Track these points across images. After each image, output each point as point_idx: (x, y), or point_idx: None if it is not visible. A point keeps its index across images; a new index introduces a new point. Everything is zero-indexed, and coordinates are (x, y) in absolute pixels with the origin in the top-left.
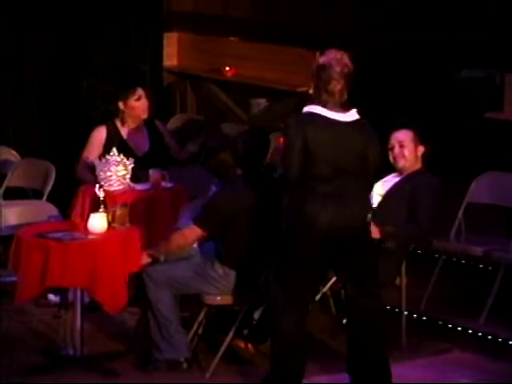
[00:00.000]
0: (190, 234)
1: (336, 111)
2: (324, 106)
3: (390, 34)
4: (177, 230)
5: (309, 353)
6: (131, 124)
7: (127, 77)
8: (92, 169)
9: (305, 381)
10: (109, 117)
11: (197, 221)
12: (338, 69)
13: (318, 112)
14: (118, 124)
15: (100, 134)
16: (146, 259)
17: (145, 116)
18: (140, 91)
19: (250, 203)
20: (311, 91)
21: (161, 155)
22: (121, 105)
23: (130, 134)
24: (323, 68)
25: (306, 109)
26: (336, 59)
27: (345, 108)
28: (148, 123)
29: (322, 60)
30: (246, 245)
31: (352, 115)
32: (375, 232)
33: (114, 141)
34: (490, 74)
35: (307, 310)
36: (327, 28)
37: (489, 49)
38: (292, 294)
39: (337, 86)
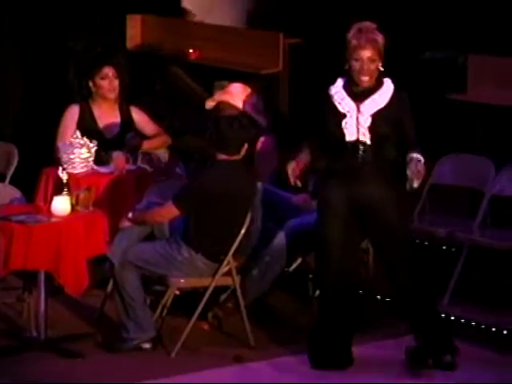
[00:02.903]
0: (167, 214)
1: None
2: None
3: (353, 16)
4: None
5: (277, 329)
6: (102, 104)
7: (95, 55)
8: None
9: (275, 359)
10: (84, 97)
11: (176, 201)
12: None
13: None
14: (92, 104)
15: (72, 113)
16: (125, 222)
17: (111, 96)
18: (106, 70)
19: (231, 189)
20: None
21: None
22: (90, 84)
23: (101, 115)
24: None
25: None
26: None
27: None
28: (123, 107)
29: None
30: (218, 230)
31: None
32: None
33: (85, 120)
34: (453, 55)
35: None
36: (292, 11)
37: (452, 30)
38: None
39: None
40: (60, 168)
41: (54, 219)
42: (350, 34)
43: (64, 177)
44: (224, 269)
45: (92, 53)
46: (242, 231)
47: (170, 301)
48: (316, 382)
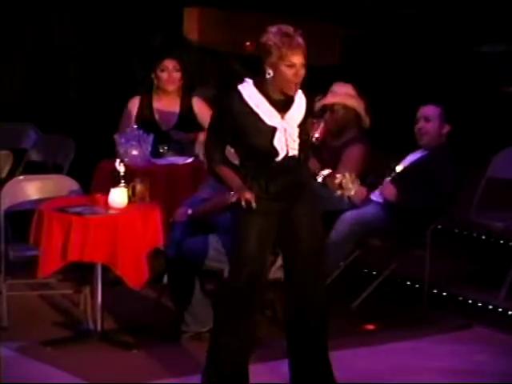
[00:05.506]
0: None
1: None
2: None
3: (409, 8)
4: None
5: None
6: (163, 97)
7: (157, 48)
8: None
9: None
10: (147, 89)
11: None
12: None
13: None
14: (153, 96)
15: (132, 105)
16: (180, 216)
17: (170, 88)
18: (167, 62)
19: None
20: None
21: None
22: (153, 76)
23: (160, 107)
24: None
25: None
26: None
27: None
28: (185, 100)
29: None
30: None
31: None
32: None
33: (143, 112)
34: (511, 48)
35: None
36: (350, 4)
37: (509, 23)
38: None
39: None
40: (117, 160)
41: (110, 211)
42: (277, 39)
43: (121, 169)
44: (279, 262)
45: (154, 46)
46: None
47: None
48: None
